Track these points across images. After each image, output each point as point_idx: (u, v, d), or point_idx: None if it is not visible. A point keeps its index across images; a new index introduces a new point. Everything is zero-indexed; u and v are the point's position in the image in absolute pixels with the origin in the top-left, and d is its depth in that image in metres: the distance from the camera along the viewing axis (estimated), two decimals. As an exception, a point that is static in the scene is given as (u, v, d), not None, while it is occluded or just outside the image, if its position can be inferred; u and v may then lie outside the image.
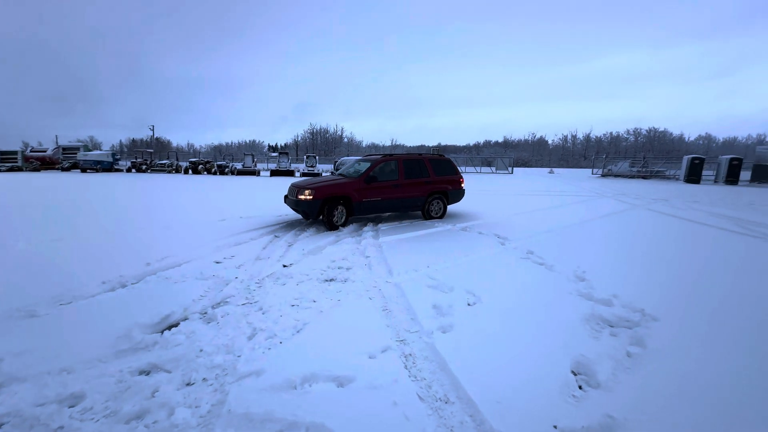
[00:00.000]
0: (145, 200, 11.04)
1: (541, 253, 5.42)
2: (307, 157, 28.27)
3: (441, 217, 8.59)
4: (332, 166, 27.85)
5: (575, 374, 2.64)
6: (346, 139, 76.37)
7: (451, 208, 9.98)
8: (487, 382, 2.59)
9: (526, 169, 54.30)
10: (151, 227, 6.92)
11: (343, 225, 7.42)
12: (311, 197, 7.26)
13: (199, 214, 8.65)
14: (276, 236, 6.49)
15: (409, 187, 8.27)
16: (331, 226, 7.18)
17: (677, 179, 25.34)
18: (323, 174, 28.15)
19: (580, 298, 3.79)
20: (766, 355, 2.78)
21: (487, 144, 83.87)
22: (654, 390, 2.47)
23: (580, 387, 2.55)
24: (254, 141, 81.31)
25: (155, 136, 63.89)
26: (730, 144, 64.54)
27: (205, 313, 3.63)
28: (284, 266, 4.82)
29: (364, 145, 79.34)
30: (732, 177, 21.77)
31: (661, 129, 66.38)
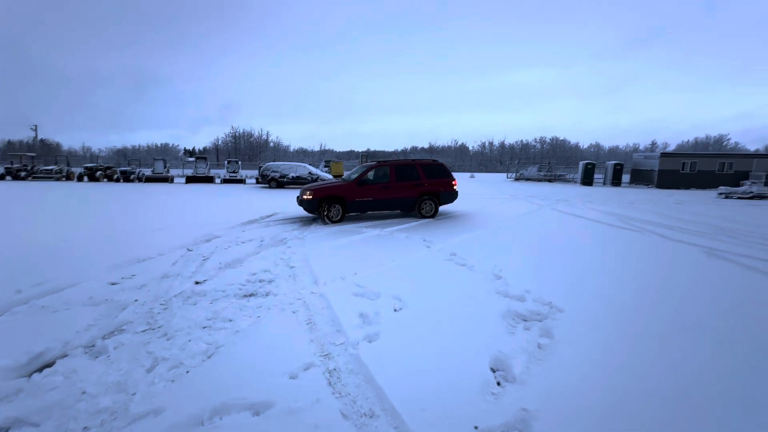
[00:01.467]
0: (23, 214, 9.22)
1: (463, 254, 5.69)
2: (228, 163, 26.50)
3: (433, 216, 9.27)
4: (257, 172, 26.38)
5: (494, 371, 2.76)
6: (272, 144, 73.18)
7: (442, 208, 10.81)
8: (412, 390, 2.56)
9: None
10: (25, 246, 5.75)
11: (339, 221, 8.70)
12: (311, 197, 8.72)
13: (95, 227, 7.47)
14: (189, 250, 5.89)
15: (399, 189, 9.15)
16: (329, 220, 8.55)
17: (575, 182, 29.11)
18: (247, 180, 26.58)
19: (498, 295, 4.02)
20: (657, 336, 3.22)
21: (414, 150, 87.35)
22: (562, 379, 2.69)
23: (498, 383, 2.66)
24: (168, 145, 73.64)
25: (39, 138, 54.26)
26: (614, 151, 76.45)
27: (93, 345, 3.07)
28: (196, 283, 4.35)
29: (291, 150, 76.96)
30: (616, 180, 25.82)
31: (562, 138, 76.12)
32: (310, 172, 21.22)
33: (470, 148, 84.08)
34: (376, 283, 4.33)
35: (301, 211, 10.52)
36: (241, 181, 25.06)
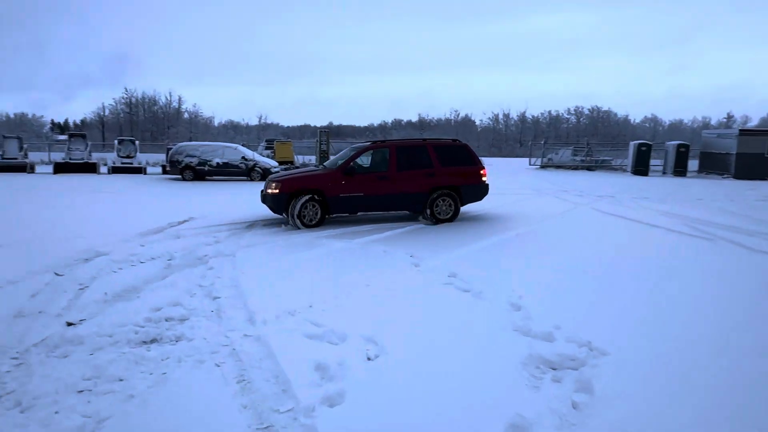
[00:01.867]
0: None
1: (466, 275, 5.77)
2: (120, 143, 25.86)
3: (451, 219, 9.65)
4: (164, 156, 25.92)
5: (511, 443, 2.80)
6: (187, 115, 71.99)
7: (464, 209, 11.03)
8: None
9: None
10: None
11: (317, 225, 9.07)
12: (277, 190, 9.05)
13: None
14: (58, 274, 5.73)
15: (402, 180, 9.45)
16: (301, 224, 8.91)
17: (624, 170, 30.14)
18: (149, 169, 26.03)
19: (516, 333, 4.10)
20: (740, 394, 3.35)
21: (398, 125, 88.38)
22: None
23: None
24: (25, 115, 70.71)
25: None
26: (677, 127, 79.46)
27: None
28: (69, 324, 4.23)
29: (216, 124, 76.01)
30: (680, 166, 26.81)
31: (605, 108, 78.54)
32: (243, 157, 21.08)
33: (477, 123, 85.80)
34: (341, 320, 4.32)
35: (233, 215, 10.52)
36: (140, 170, 24.56)
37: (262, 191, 9.74)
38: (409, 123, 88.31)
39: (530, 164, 35.95)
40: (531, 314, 4.47)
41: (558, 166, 33.53)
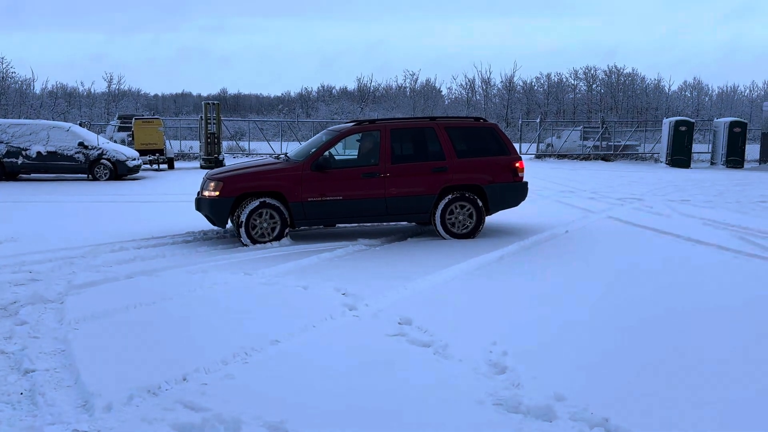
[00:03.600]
0: None
1: (424, 320, 5.80)
2: None
3: (471, 234, 10.01)
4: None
5: None
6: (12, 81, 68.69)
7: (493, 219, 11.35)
8: None
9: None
10: None
11: (275, 239, 9.49)
12: (216, 192, 9.40)
13: None
14: None
15: (398, 177, 9.77)
16: (249, 240, 9.38)
17: (656, 160, 31.50)
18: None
19: (501, 410, 4.11)
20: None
21: (327, 94, 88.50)
22: None
23: None
24: None
25: None
26: (729, 98, 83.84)
27: None
28: None
29: (37, 90, 73.15)
30: (735, 155, 28.10)
31: (627, 69, 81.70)
32: (82, 143, 20.56)
33: (444, 93, 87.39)
34: (232, 400, 4.21)
35: (64, 237, 10.21)
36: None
37: (197, 195, 9.87)
38: (344, 92, 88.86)
39: (521, 153, 36.92)
40: (520, 378, 4.51)
41: (561, 155, 34.64)
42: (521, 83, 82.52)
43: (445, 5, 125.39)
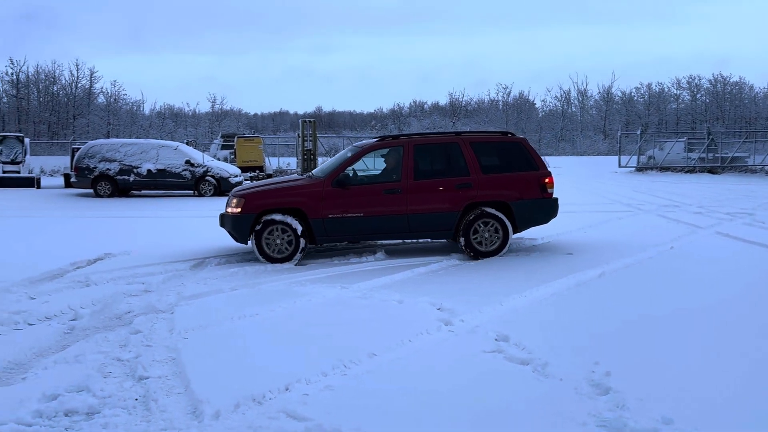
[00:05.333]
0: None
1: (521, 337, 5.72)
2: (0, 140, 26.27)
3: (497, 251, 9.80)
4: (69, 160, 26.30)
5: None
6: (103, 98, 73.15)
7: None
8: None
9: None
10: None
11: (289, 257, 9.41)
12: (239, 209, 9.55)
13: None
14: None
15: (421, 194, 9.75)
16: (266, 258, 9.36)
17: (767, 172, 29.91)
18: (43, 179, 26.37)
19: (603, 431, 4.01)
20: None
21: (419, 110, 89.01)
22: None
23: None
24: None
25: None
26: None
27: None
28: None
29: (147, 111, 77.11)
30: None
31: (734, 78, 78.09)
32: (188, 161, 21.37)
33: (538, 105, 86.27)
34: (335, 410, 4.28)
35: (172, 250, 10.65)
36: (31, 182, 24.92)
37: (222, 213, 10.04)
38: (436, 107, 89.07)
39: (620, 165, 35.90)
40: (625, 400, 4.36)
41: (664, 168, 33.44)
42: (620, 94, 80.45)
43: (544, 17, 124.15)
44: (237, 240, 9.81)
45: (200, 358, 5.33)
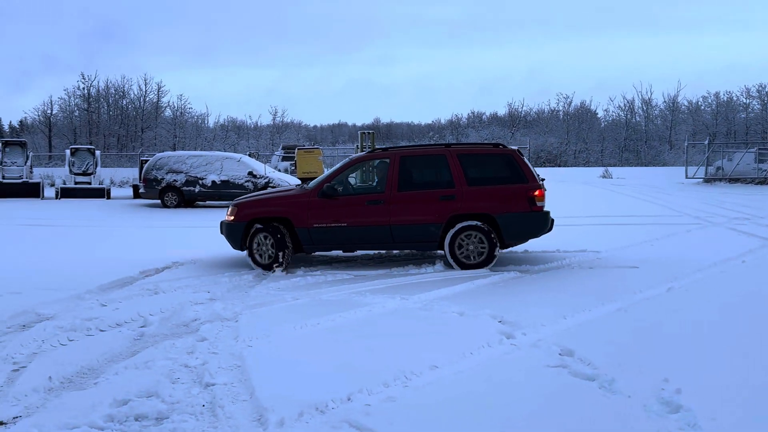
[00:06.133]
0: None
1: (586, 352, 5.61)
2: (72, 153, 27.23)
3: (483, 264, 9.73)
4: (137, 172, 27.09)
5: None
6: (169, 112, 75.17)
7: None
8: None
9: (556, 170, 57.64)
10: None
11: (280, 265, 9.76)
12: (232, 218, 10.15)
13: None
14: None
15: (404, 205, 9.88)
16: (258, 265, 9.88)
17: None
18: (113, 190, 27.17)
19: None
20: None
21: (477, 121, 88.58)
22: None
23: None
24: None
25: None
26: None
27: None
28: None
29: (211, 124, 78.91)
30: None
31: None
32: (251, 172, 21.76)
33: (600, 115, 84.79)
34: (397, 422, 4.28)
35: (236, 259, 10.87)
36: (102, 193, 25.72)
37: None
38: (495, 118, 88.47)
39: (687, 176, 34.97)
40: (696, 419, 4.23)
41: (733, 179, 32.37)
42: (686, 103, 78.35)
43: (609, 25, 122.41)
44: (233, 246, 10.20)
45: (264, 366, 5.40)
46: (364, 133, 28.20)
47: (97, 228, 15.96)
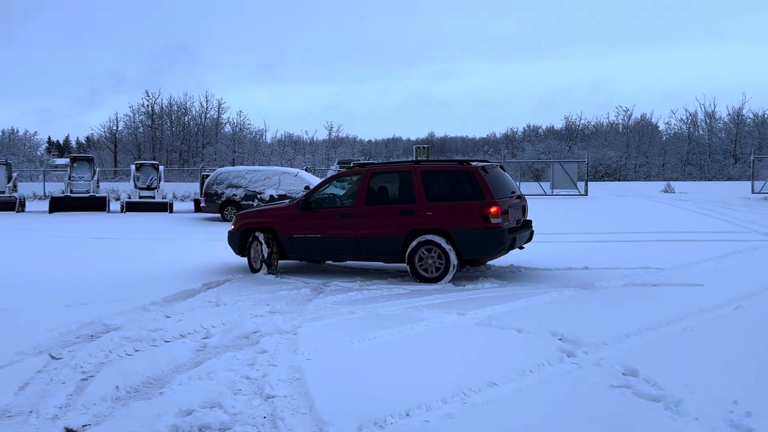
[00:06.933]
0: None
1: (651, 371, 5.49)
2: (137, 168, 27.98)
3: (439, 279, 9.94)
4: (198, 186, 27.68)
5: None
6: (229, 128, 76.78)
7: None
8: None
9: (616, 184, 56.62)
10: None
11: (270, 270, 10.92)
12: (232, 227, 11.53)
13: None
14: (54, 357, 6.27)
15: (369, 219, 10.42)
16: (251, 269, 11.16)
17: None
18: (176, 204, 27.80)
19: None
20: None
21: (533, 134, 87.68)
22: None
23: None
24: (16, 133, 78.79)
25: None
26: None
27: None
28: None
29: (269, 140, 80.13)
30: None
31: None
32: (308, 186, 21.86)
33: (662, 128, 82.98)
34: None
35: (294, 271, 11.14)
36: (165, 207, 26.33)
37: None
38: (551, 131, 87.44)
39: (753, 191, 33.94)
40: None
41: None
42: (751, 116, 76.02)
43: (671, 37, 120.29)
44: (234, 252, 11.46)
45: (323, 379, 5.43)
46: (420, 147, 28.29)
47: (160, 241, 16.36)
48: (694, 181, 65.08)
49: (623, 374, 5.48)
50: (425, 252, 9.91)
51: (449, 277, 9.82)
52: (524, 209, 11.08)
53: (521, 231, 10.47)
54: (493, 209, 9.67)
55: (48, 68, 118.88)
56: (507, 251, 10.22)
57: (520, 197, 10.99)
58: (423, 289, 9.44)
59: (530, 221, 11.31)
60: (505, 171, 11.22)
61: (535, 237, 11.42)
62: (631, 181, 69.42)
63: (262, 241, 10.83)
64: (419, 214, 9.97)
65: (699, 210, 24.70)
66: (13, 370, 5.85)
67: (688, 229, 17.68)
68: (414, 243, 9.93)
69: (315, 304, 8.54)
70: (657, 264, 11.15)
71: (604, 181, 66.63)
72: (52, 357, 6.26)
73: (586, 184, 36.98)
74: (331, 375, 5.59)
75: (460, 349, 6.40)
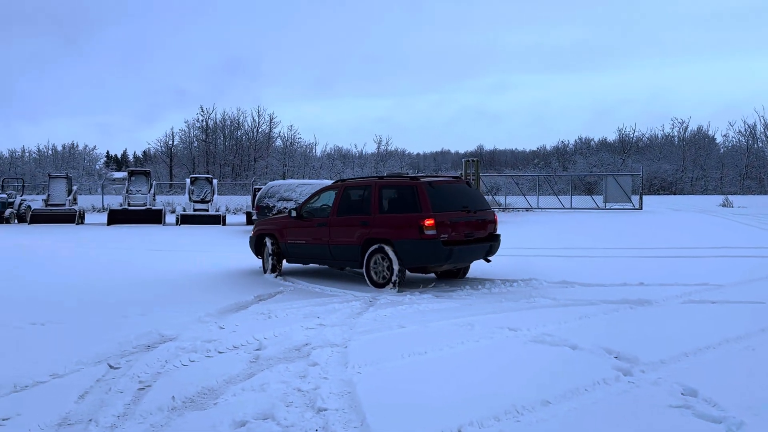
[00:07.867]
0: None
1: (711, 392, 5.34)
2: (192, 182, 28.54)
3: (386, 284, 10.81)
4: (251, 199, 28.08)
5: None
6: (280, 141, 77.78)
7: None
8: None
9: (671, 198, 55.34)
10: None
11: (273, 271, 12.40)
12: (252, 233, 13.31)
13: None
14: (112, 367, 6.43)
15: (338, 228, 11.59)
16: (264, 270, 12.76)
17: None
18: (229, 217, 28.22)
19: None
20: None
21: (584, 147, 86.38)
22: None
23: None
24: (75, 147, 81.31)
25: None
26: None
27: None
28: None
29: (318, 153, 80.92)
30: None
31: None
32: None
33: (719, 141, 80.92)
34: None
35: (339, 284, 11.31)
36: (218, 219, 26.78)
37: None
38: (604, 143, 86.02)
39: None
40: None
41: None
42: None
43: (732, 49, 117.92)
44: (254, 254, 13.23)
45: (374, 393, 5.42)
46: (469, 160, 28.18)
47: (214, 254, 16.65)
48: (754, 195, 63.25)
49: (682, 394, 5.33)
50: (379, 259, 10.82)
51: (395, 282, 10.63)
52: (486, 223, 11.45)
53: (471, 244, 11.02)
54: (427, 221, 10.37)
55: (111, 84, 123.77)
56: (448, 262, 10.67)
57: (481, 212, 11.43)
58: (473, 303, 9.38)
59: (497, 235, 11.77)
60: (471, 186, 12.14)
61: (586, 252, 11.29)
62: (688, 194, 67.84)
63: (269, 245, 12.39)
64: (372, 225, 10.97)
65: (758, 225, 24.01)
66: (74, 379, 6.00)
67: (748, 245, 17.21)
68: (369, 251, 10.88)
69: (365, 317, 8.55)
70: (716, 281, 10.88)
71: (659, 194, 65.28)
72: (111, 366, 6.40)
73: (641, 198, 36.50)
74: (382, 389, 5.58)
75: (512, 365, 6.33)
